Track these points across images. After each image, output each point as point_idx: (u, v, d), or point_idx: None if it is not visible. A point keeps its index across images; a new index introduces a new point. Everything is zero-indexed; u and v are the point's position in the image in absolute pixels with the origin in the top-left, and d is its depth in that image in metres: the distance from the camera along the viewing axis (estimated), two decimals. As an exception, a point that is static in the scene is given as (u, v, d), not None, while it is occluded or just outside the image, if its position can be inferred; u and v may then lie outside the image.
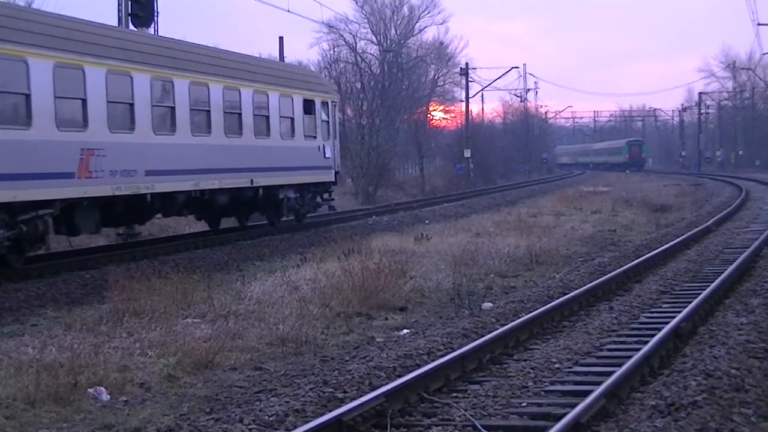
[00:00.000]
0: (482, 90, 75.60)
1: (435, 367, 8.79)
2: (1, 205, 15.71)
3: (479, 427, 7.44)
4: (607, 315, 12.23)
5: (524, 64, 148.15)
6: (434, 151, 74.61)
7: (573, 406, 7.56)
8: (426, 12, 71.00)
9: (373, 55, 66.25)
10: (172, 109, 20.39)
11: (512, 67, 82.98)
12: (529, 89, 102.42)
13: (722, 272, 15.05)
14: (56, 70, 16.71)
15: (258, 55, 36.84)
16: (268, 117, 24.41)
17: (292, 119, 25.68)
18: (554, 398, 8.34)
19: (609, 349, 10.28)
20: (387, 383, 8.38)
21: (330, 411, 7.52)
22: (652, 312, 12.58)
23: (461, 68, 66.03)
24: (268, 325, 12.11)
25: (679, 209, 34.78)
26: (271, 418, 7.54)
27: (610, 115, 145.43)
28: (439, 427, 7.58)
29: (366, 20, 67.64)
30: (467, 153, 61.44)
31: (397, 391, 8.00)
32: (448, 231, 25.56)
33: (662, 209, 33.89)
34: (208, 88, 21.72)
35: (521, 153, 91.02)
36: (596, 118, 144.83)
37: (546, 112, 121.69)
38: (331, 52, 61.82)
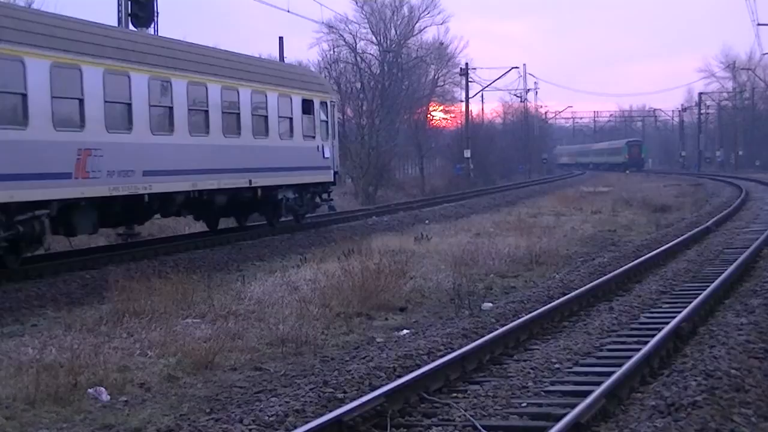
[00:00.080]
0: (482, 90, 75.63)
1: (435, 368, 8.79)
2: (-3, 206, 15.67)
3: (479, 427, 7.44)
4: (607, 315, 12.24)
5: (524, 65, 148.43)
6: (434, 152, 74.60)
7: (573, 406, 7.56)
8: (426, 12, 71.03)
9: (373, 55, 66.26)
10: (170, 109, 20.34)
11: (512, 68, 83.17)
12: (529, 89, 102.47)
13: (722, 272, 15.05)
14: (53, 69, 16.67)
15: (258, 56, 36.79)
16: (266, 117, 24.36)
17: (291, 119, 25.64)
18: (554, 398, 8.34)
19: (609, 350, 10.28)
20: (387, 383, 8.38)
21: (330, 411, 7.52)
22: (652, 312, 12.58)
23: (461, 68, 66.01)
24: (268, 325, 12.11)
25: (679, 209, 34.79)
26: (271, 419, 7.54)
27: (610, 116, 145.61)
28: (439, 428, 7.58)
29: (366, 20, 67.65)
30: (467, 153, 61.42)
31: (397, 392, 8.01)
32: (448, 231, 25.57)
33: (662, 209, 33.91)
34: (206, 88, 21.67)
35: (521, 153, 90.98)
36: (596, 119, 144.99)
37: (546, 113, 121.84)
38: (331, 52, 61.81)
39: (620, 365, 8.83)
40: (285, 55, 44.31)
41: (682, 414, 7.27)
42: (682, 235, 22.00)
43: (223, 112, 22.32)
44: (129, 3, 25.74)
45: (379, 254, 17.97)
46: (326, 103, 27.84)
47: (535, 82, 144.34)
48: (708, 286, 13.53)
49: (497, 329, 10.89)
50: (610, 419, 7.63)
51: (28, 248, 17.01)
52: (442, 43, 75.11)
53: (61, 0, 60.30)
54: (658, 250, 18.68)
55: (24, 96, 16.01)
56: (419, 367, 9.10)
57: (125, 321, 12.33)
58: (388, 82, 61.63)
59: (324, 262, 17.80)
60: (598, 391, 7.87)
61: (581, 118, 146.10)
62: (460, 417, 7.77)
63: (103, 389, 9.08)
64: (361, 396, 7.93)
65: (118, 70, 18.58)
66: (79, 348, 10.28)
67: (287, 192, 25.68)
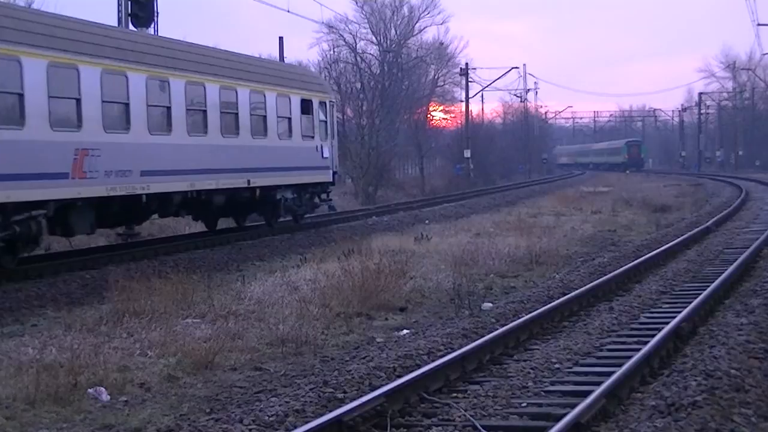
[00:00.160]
0: (482, 90, 75.61)
1: (435, 368, 8.79)
2: (-6, 206, 15.65)
3: (479, 427, 7.44)
4: (607, 315, 12.24)
5: (524, 65, 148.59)
6: (434, 152, 74.60)
7: (573, 406, 7.56)
8: (426, 12, 71.03)
9: (373, 55, 66.24)
10: (168, 108, 20.29)
11: (512, 68, 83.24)
12: (529, 89, 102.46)
13: (722, 272, 15.05)
14: (50, 69, 16.62)
15: (258, 56, 36.78)
16: (265, 117, 24.32)
17: (290, 119, 25.61)
18: (554, 398, 8.34)
19: (609, 350, 10.28)
20: (387, 383, 8.38)
21: (330, 411, 7.52)
22: (652, 312, 12.58)
23: (461, 68, 65.99)
24: (268, 325, 12.11)
25: (679, 209, 34.78)
26: (271, 419, 7.54)
27: (610, 116, 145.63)
28: (439, 428, 7.58)
29: (366, 20, 67.64)
30: (467, 153, 61.41)
31: (397, 392, 8.01)
32: (448, 231, 25.57)
33: (662, 209, 33.90)
34: (205, 88, 21.63)
35: (521, 153, 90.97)
36: (596, 119, 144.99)
37: (546, 113, 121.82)
38: (331, 52, 61.81)
39: (620, 365, 8.83)
40: (285, 55, 44.34)
41: (682, 414, 7.27)
42: (682, 235, 22.00)
43: (221, 112, 22.27)
44: (129, 3, 25.73)
45: (379, 254, 17.97)
46: (325, 103, 27.82)
47: (535, 82, 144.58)
48: (708, 286, 13.53)
49: (497, 329, 10.89)
50: (610, 419, 7.63)
51: (25, 248, 16.97)
52: (442, 43, 75.18)
53: (61, 0, 60.36)
54: (658, 250, 18.68)
55: (21, 96, 15.96)
56: (419, 367, 9.10)
57: (125, 321, 12.33)
58: (388, 82, 61.62)
59: (324, 262, 17.80)
60: (598, 391, 7.87)
61: (581, 118, 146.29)
62: (460, 417, 7.77)
63: (103, 389, 9.08)
64: (361, 396, 7.93)
65: (116, 69, 18.54)
66: (79, 348, 10.28)
67: (286, 192, 25.65)
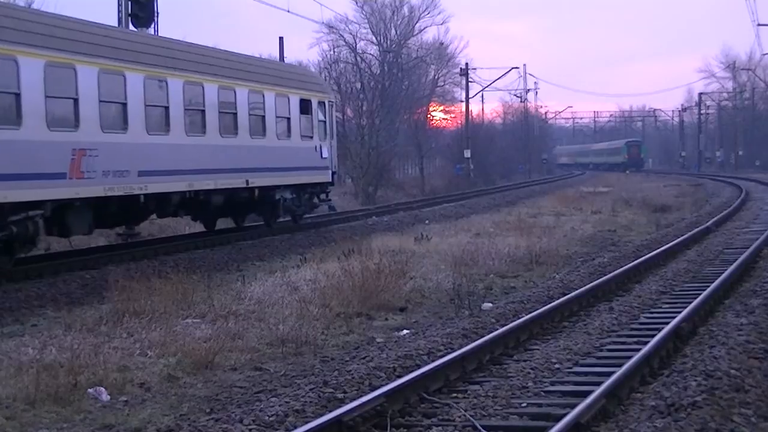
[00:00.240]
0: (482, 90, 75.66)
1: (435, 368, 8.79)
2: (-10, 206, 15.62)
3: (479, 427, 7.44)
4: (607, 315, 12.24)
5: (524, 65, 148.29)
6: (434, 152, 74.57)
7: (573, 406, 7.56)
8: (426, 12, 71.06)
9: (373, 55, 66.27)
10: (166, 108, 20.24)
11: (512, 68, 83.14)
12: (529, 89, 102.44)
13: (722, 272, 15.05)
14: (47, 69, 16.58)
15: (258, 56, 36.78)
16: (263, 117, 24.27)
17: (289, 119, 25.58)
18: (554, 398, 8.34)
19: (609, 350, 10.28)
20: (387, 383, 8.39)
21: (330, 411, 7.52)
22: (652, 312, 12.58)
23: (461, 68, 65.98)
24: (268, 325, 12.11)
25: (679, 209, 34.78)
26: (271, 419, 7.54)
27: (610, 116, 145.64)
28: (439, 428, 7.58)
29: (366, 20, 67.67)
30: (467, 153, 61.41)
31: (397, 392, 8.01)
32: (448, 231, 25.57)
33: (662, 209, 33.91)
34: (203, 88, 21.59)
35: (521, 153, 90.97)
36: (596, 119, 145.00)
37: (546, 113, 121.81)
38: (331, 52, 61.84)
39: (620, 365, 8.83)
40: (285, 55, 44.38)
41: (682, 414, 7.27)
42: (682, 235, 22.00)
43: (219, 112, 22.23)
44: (129, 3, 25.73)
45: (379, 254, 17.96)
46: (324, 103, 27.79)
47: (535, 82, 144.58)
48: (708, 287, 13.53)
49: (497, 329, 10.89)
50: (610, 419, 7.63)
51: (22, 249, 16.93)
52: (442, 43, 75.20)
53: (61, 0, 60.38)
54: (658, 250, 18.68)
55: (17, 95, 15.91)
56: (419, 367, 9.10)
57: (125, 321, 12.32)
58: (388, 82, 61.64)
59: (324, 262, 17.80)
60: (598, 391, 7.87)
61: (581, 119, 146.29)
62: (460, 417, 7.78)
63: (103, 389, 9.08)
64: (361, 396, 7.93)
65: (114, 69, 18.49)
66: (79, 348, 10.28)
67: (285, 192, 25.62)
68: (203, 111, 21.62)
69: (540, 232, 24.13)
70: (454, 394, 8.59)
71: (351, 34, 63.89)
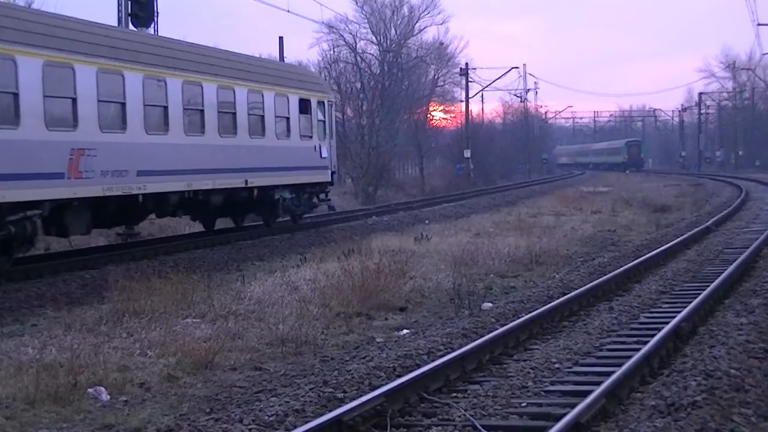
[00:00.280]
0: (482, 90, 75.61)
1: (435, 367, 8.79)
2: (-12, 206, 15.60)
3: (479, 427, 7.44)
4: (607, 315, 12.24)
5: (524, 65, 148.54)
6: (434, 152, 74.60)
7: (573, 406, 7.56)
8: (426, 12, 71.07)
9: (373, 55, 66.28)
10: (165, 108, 20.20)
11: (512, 68, 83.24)
12: (529, 89, 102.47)
13: (722, 272, 15.05)
14: (45, 68, 16.56)
15: (258, 55, 36.77)
16: (263, 117, 24.24)
17: (288, 119, 25.56)
18: (554, 398, 8.34)
19: (609, 349, 10.28)
20: (387, 383, 8.38)
21: (330, 411, 7.52)
22: (652, 312, 12.58)
23: (461, 68, 65.97)
24: (268, 325, 12.11)
25: (679, 209, 34.79)
26: (271, 418, 7.54)
27: (610, 116, 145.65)
28: (439, 427, 7.58)
29: (366, 20, 67.68)
30: (467, 153, 61.41)
31: (397, 391, 8.01)
32: (448, 231, 25.57)
33: (662, 209, 33.91)
34: (202, 87, 21.56)
35: (521, 153, 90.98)
36: (596, 119, 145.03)
37: (546, 113, 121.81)
38: (331, 52, 61.84)
39: (620, 365, 8.83)
40: (285, 55, 44.37)
41: (682, 414, 7.27)
42: (682, 235, 22.00)
43: (219, 112, 22.20)
44: (129, 3, 25.73)
45: (379, 254, 17.96)
46: (324, 102, 27.78)
47: (535, 82, 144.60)
48: (708, 286, 13.53)
49: (497, 329, 10.89)
50: (610, 419, 7.63)
51: (20, 249, 16.90)
52: (442, 43, 75.21)
53: (61, 0, 60.38)
54: (658, 250, 18.68)
55: (15, 95, 15.88)
56: (419, 366, 9.10)
57: (125, 321, 12.33)
58: (388, 82, 61.66)
59: (324, 262, 17.79)
60: (598, 390, 7.87)
61: (581, 118, 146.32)
62: (460, 417, 7.77)
63: (103, 389, 9.08)
64: (361, 396, 7.93)
65: (112, 69, 18.47)
66: (79, 348, 10.28)
67: (284, 192, 25.60)
68: (202, 111, 21.59)
69: (540, 232, 24.13)
70: (454, 394, 8.59)
71: (351, 33, 63.98)
